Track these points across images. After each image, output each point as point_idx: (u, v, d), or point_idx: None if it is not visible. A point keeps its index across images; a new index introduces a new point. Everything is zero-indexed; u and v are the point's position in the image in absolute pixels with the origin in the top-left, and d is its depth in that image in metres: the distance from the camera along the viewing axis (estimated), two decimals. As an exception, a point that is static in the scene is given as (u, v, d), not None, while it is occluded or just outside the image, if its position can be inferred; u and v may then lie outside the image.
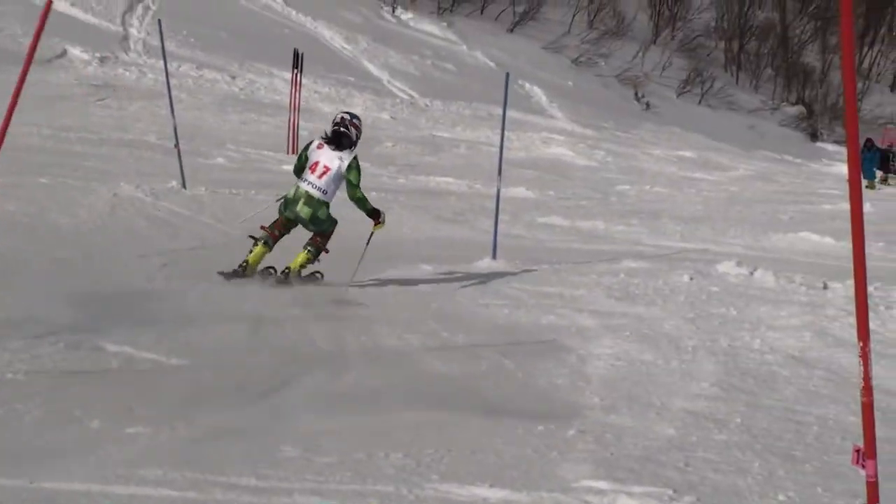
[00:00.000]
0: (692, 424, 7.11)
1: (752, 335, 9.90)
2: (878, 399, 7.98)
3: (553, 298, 11.34)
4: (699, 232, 19.24)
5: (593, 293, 11.71)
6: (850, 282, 11.97)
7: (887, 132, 56.70)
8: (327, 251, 11.40)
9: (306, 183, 11.30)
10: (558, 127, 38.03)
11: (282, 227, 11.45)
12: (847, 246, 17.12)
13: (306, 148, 11.59)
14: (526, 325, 10.05)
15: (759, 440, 6.87)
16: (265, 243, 11.30)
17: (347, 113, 11.73)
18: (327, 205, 11.33)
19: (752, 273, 12.98)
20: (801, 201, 26.38)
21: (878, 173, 40.42)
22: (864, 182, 37.90)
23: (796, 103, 59.36)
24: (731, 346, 9.46)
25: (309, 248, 11.34)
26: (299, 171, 11.51)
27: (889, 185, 41.21)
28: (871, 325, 10.12)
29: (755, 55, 61.00)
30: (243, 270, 11.09)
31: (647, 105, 48.43)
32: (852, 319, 9.76)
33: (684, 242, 17.64)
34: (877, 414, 7.45)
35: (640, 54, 52.28)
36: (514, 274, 12.76)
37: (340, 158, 11.27)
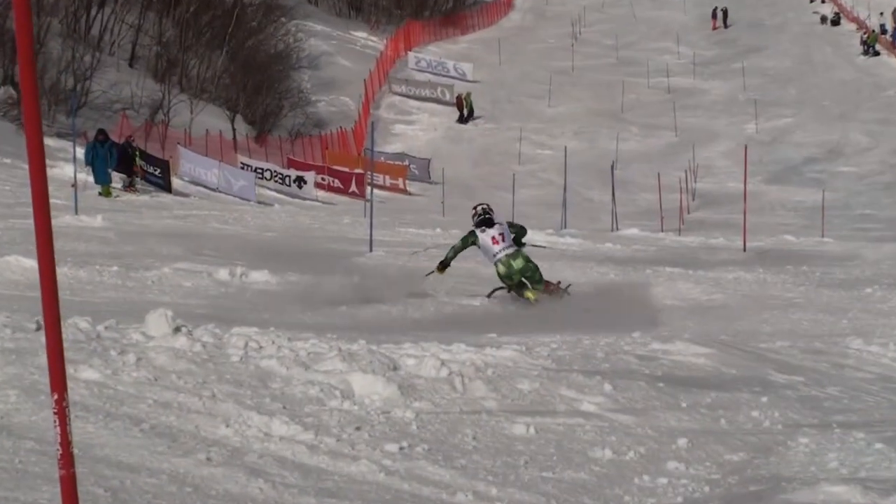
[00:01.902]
0: None
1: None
2: (110, 475, 7.95)
3: None
4: None
5: None
6: (72, 320, 11.97)
7: (126, 120, 57.04)
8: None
9: (502, 253, 20.35)
10: None
11: (516, 289, 20.46)
12: (69, 272, 17.30)
13: (471, 238, 20.68)
14: None
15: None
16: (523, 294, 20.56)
17: (484, 204, 21.44)
18: (521, 248, 20.90)
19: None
20: (17, 216, 26.34)
21: (119, 176, 40.83)
22: (99, 188, 38.27)
23: (3, 83, 58.61)
24: None
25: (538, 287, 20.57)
26: (458, 250, 20.80)
27: (136, 191, 41.65)
28: (97, 376, 10.36)
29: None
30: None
31: None
32: (72, 370, 9.69)
33: None
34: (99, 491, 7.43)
35: None
36: None
37: (500, 224, 20.90)
